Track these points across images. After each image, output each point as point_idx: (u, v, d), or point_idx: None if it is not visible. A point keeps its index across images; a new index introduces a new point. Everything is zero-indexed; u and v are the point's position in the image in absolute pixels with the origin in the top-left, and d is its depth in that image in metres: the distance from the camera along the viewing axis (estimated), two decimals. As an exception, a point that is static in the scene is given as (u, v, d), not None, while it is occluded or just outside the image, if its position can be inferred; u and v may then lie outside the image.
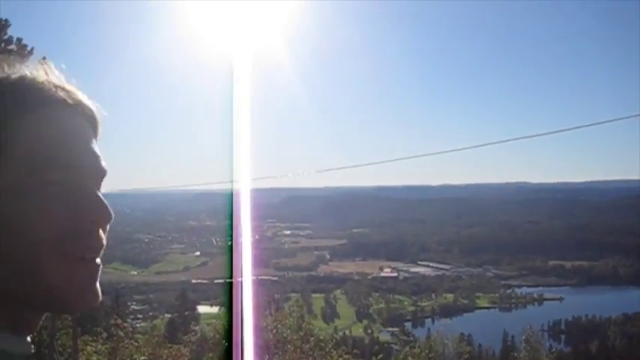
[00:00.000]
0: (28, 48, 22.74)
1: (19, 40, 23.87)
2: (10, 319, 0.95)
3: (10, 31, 23.89)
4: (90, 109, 1.05)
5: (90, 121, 1.05)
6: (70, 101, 1.01)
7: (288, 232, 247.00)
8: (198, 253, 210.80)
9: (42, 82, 1.00)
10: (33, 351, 1.00)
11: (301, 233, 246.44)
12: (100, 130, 1.08)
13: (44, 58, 1.05)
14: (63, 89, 1.02)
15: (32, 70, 1.03)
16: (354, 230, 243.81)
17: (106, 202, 1.00)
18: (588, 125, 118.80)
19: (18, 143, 0.93)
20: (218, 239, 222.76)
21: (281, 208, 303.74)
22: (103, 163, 1.04)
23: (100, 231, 1.00)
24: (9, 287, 0.93)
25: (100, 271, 1.02)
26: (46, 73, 1.03)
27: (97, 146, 1.05)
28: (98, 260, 1.01)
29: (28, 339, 1.01)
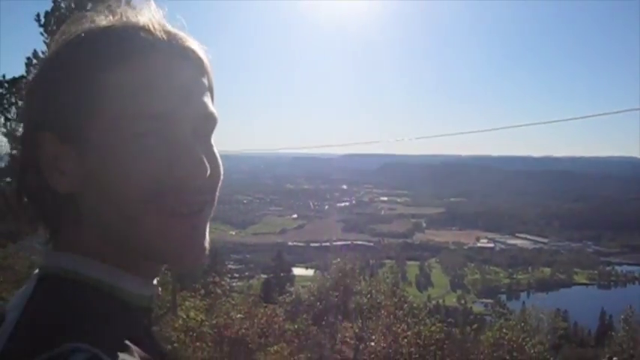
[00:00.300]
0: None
1: (128, 0, 24.45)
2: (132, 263, 0.98)
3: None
4: (196, 54, 1.01)
5: (196, 67, 1.01)
6: (172, 46, 0.98)
7: (385, 199, 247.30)
8: (295, 215, 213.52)
9: (141, 27, 0.97)
10: (159, 292, 1.02)
11: (398, 200, 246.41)
12: (211, 75, 1.04)
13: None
14: (168, 33, 0.99)
15: (134, 13, 1.01)
16: (452, 199, 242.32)
17: (203, 156, 0.96)
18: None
19: (109, 94, 0.92)
20: (315, 203, 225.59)
21: (379, 174, 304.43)
22: (211, 110, 1.00)
23: (204, 184, 0.97)
24: (123, 237, 0.95)
25: (207, 226, 1.01)
26: (149, 16, 1.00)
27: (206, 93, 1.01)
28: (204, 214, 1.00)
29: (155, 282, 1.04)
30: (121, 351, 0.85)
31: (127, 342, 0.88)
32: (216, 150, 1.01)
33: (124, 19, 1.00)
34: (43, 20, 21.17)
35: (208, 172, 0.96)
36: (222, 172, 1.02)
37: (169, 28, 1.00)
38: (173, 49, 0.98)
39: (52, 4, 23.96)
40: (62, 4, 23.94)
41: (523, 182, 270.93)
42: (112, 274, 0.96)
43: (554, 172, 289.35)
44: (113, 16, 1.00)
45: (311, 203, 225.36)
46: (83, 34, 0.97)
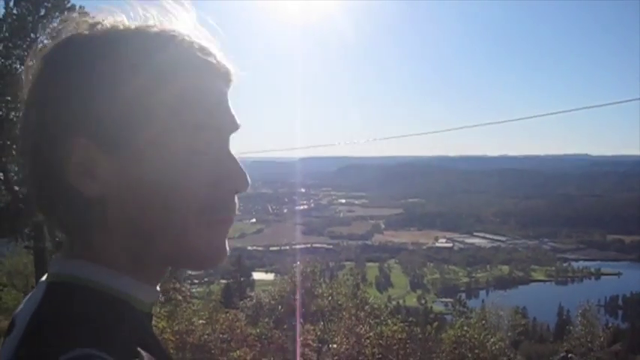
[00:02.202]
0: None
1: (81, 7, 24.15)
2: (145, 270, 1.00)
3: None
4: (226, 67, 1.02)
5: (224, 78, 1.03)
6: (212, 61, 0.99)
7: (343, 201, 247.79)
8: (253, 220, 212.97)
9: (188, 39, 0.98)
10: (160, 298, 1.06)
11: (356, 202, 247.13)
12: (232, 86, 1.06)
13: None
14: (209, 45, 1.01)
15: (175, 18, 1.01)
16: (410, 200, 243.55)
17: (244, 169, 1.01)
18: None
19: (161, 108, 0.94)
20: (273, 206, 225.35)
21: (336, 176, 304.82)
22: (239, 120, 1.04)
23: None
24: (152, 245, 0.96)
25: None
26: (193, 24, 1.02)
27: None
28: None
29: (157, 288, 1.05)
30: (133, 357, 0.87)
31: (138, 348, 0.90)
32: None
33: (168, 25, 1.00)
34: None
35: (249, 184, 1.02)
36: None
37: (208, 37, 1.02)
38: (216, 62, 1.00)
39: (4, 11, 23.67)
40: (14, 10, 23.65)
41: (479, 181, 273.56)
42: (123, 282, 0.97)
43: (510, 171, 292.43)
44: (149, 19, 1.00)
45: (270, 207, 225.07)
46: (132, 37, 0.97)
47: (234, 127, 1.02)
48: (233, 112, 1.03)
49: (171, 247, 0.97)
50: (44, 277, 1.00)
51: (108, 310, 0.92)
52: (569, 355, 24.08)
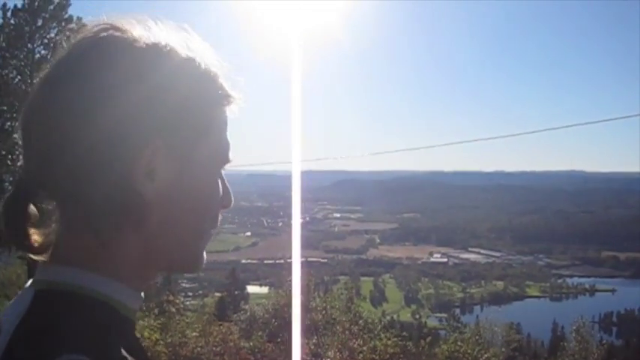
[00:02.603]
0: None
1: (79, 18, 24.20)
2: (141, 277, 1.05)
3: (70, 10, 24.25)
4: (236, 99, 1.12)
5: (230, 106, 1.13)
6: (232, 96, 1.10)
7: (338, 215, 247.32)
8: (248, 233, 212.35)
9: (223, 69, 1.10)
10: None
11: (352, 216, 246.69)
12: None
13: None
14: (225, 79, 1.10)
15: (204, 49, 1.09)
16: (405, 215, 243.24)
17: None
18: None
19: (214, 127, 1.08)
20: (269, 220, 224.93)
21: (332, 190, 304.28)
22: (232, 155, 1.13)
23: None
24: (172, 249, 1.06)
25: None
26: (217, 57, 1.11)
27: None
28: None
29: (142, 294, 1.08)
30: None
31: (125, 354, 0.92)
32: None
33: (202, 54, 1.08)
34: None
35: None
36: None
37: (225, 65, 1.11)
38: (236, 95, 1.11)
39: (1, 21, 23.71)
40: (12, 21, 23.70)
41: (475, 197, 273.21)
42: (113, 288, 0.98)
43: (505, 187, 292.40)
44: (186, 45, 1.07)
45: (265, 220, 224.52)
46: (199, 64, 1.06)
47: (230, 156, 1.13)
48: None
49: (185, 251, 1.08)
50: (30, 283, 1.00)
51: (96, 316, 0.93)
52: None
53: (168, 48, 1.03)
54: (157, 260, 1.05)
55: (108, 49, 0.98)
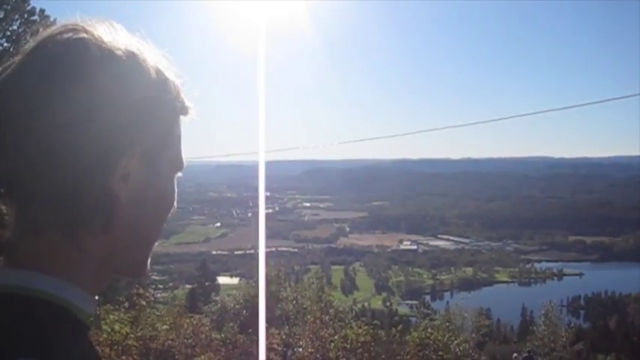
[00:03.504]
0: (51, 19, 22.65)
1: (42, 11, 23.92)
2: (98, 281, 1.06)
3: (32, 2, 23.92)
4: (191, 110, 1.15)
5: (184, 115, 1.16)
6: (190, 107, 1.13)
7: (307, 205, 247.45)
8: (218, 224, 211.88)
9: (177, 81, 1.12)
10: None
11: (321, 205, 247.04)
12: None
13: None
14: (184, 90, 1.13)
15: (164, 63, 1.10)
16: (374, 203, 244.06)
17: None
18: (611, 99, 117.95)
19: (174, 136, 1.11)
20: (238, 211, 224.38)
21: (301, 180, 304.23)
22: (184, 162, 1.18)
23: None
24: (135, 248, 1.09)
25: None
26: (174, 70, 1.12)
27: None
28: None
29: (96, 298, 1.08)
30: None
31: (79, 358, 0.93)
32: None
33: (165, 62, 1.11)
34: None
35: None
36: None
37: (182, 76, 1.14)
38: (191, 105, 1.15)
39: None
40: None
41: (443, 184, 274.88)
42: (71, 292, 0.98)
43: (473, 174, 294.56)
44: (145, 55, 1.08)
45: (234, 211, 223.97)
46: (161, 76, 1.08)
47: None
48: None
49: (141, 253, 1.11)
50: None
51: (51, 320, 0.93)
52: (531, 353, 24.44)
53: (142, 57, 1.05)
54: (116, 263, 1.07)
55: (89, 55, 0.99)
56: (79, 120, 0.95)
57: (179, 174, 1.14)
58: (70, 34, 1.00)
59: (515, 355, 28.17)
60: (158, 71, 1.06)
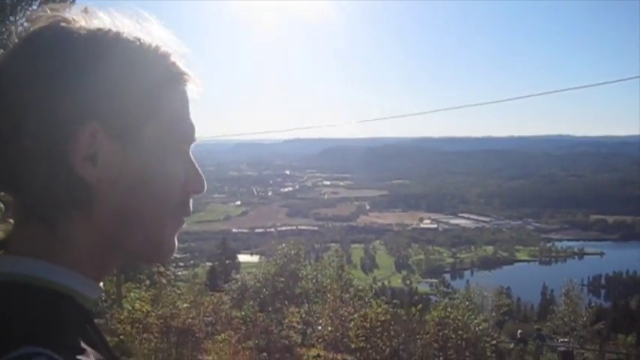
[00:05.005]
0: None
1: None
2: (99, 266, 1.02)
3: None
4: (192, 78, 1.08)
5: (193, 85, 1.09)
6: (187, 73, 1.06)
7: (327, 183, 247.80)
8: (238, 202, 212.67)
9: (178, 51, 1.06)
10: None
11: (341, 184, 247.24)
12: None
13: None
14: (189, 55, 1.07)
15: (156, 28, 1.07)
16: (395, 181, 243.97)
17: (202, 174, 1.09)
18: (634, 77, 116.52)
19: (164, 108, 1.01)
20: (258, 189, 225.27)
21: (321, 158, 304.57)
22: (197, 134, 1.10)
23: None
24: (128, 235, 1.00)
25: None
26: (174, 37, 1.07)
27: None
28: None
29: (101, 284, 1.05)
30: (80, 354, 0.88)
31: (85, 346, 0.90)
32: None
33: (167, 35, 1.07)
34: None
35: (206, 188, 1.09)
36: None
37: (177, 49, 1.07)
38: (192, 74, 1.07)
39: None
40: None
41: (464, 163, 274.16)
42: (72, 278, 0.97)
43: (494, 152, 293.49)
44: (136, 24, 1.06)
45: (254, 189, 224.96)
46: (142, 46, 1.03)
47: (194, 137, 1.09)
48: (194, 124, 1.09)
49: (145, 238, 1.01)
50: None
51: (54, 307, 0.92)
52: (540, 332, 24.56)
53: (110, 33, 1.01)
54: (114, 248, 1.01)
55: (47, 38, 0.97)
56: (34, 101, 0.94)
57: (189, 150, 1.08)
58: (43, 26, 1.02)
59: (519, 331, 28.23)
60: (134, 42, 1.02)
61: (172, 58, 1.04)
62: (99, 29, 1.01)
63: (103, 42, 1.00)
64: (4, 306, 0.90)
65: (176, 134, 1.03)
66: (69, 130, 0.95)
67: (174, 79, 1.04)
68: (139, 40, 1.03)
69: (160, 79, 1.02)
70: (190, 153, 1.08)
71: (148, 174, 0.99)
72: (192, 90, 1.07)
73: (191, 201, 1.08)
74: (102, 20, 1.03)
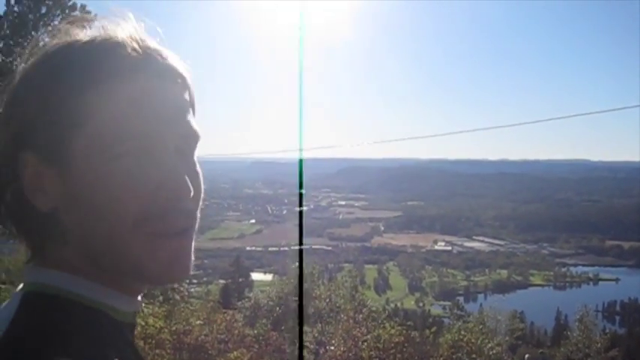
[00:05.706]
0: (92, 14, 22.84)
1: (83, 6, 24.17)
2: (117, 281, 0.98)
3: (73, -2, 24.19)
4: (177, 71, 1.00)
5: (178, 84, 0.99)
6: (152, 65, 0.96)
7: (342, 203, 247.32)
8: (253, 220, 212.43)
9: (119, 44, 0.95)
10: (141, 309, 1.02)
11: (356, 204, 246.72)
12: (193, 90, 1.04)
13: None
14: (149, 50, 0.97)
15: (114, 26, 0.98)
16: (409, 203, 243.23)
17: (186, 177, 0.96)
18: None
19: (90, 115, 0.91)
20: (273, 207, 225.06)
21: (336, 178, 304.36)
22: (194, 128, 1.00)
23: (188, 203, 0.98)
24: (102, 258, 0.95)
25: (192, 244, 1.02)
26: (130, 32, 0.98)
27: (188, 110, 1.01)
28: (190, 233, 1.01)
29: (139, 298, 1.04)
30: None
31: (115, 358, 0.89)
32: (198, 167, 1.01)
33: (104, 34, 0.97)
34: (-5, 24, 20.89)
35: (192, 193, 0.97)
36: (202, 189, 1.02)
37: (150, 44, 0.98)
38: (154, 67, 0.96)
39: (5, 8, 23.69)
40: (15, 8, 23.68)
41: (479, 185, 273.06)
42: (95, 291, 0.95)
43: (510, 175, 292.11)
44: (91, 29, 0.98)
45: (269, 208, 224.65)
46: (63, 50, 0.95)
47: (183, 134, 0.99)
48: (188, 119, 1.00)
49: (117, 261, 0.95)
50: (20, 287, 0.98)
51: (82, 319, 0.91)
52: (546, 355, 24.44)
53: (51, 45, 0.97)
54: (107, 268, 0.97)
55: None
56: None
57: (165, 148, 0.95)
58: None
59: (527, 356, 28.11)
60: (62, 48, 0.96)
61: (124, 50, 0.94)
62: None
63: (36, 63, 0.96)
64: (37, 318, 0.89)
65: (118, 136, 0.91)
66: (15, 162, 0.93)
67: (112, 74, 0.92)
68: (71, 43, 0.96)
69: (87, 80, 0.92)
70: (169, 150, 0.95)
71: (86, 194, 0.92)
72: (150, 79, 0.95)
73: (175, 208, 0.96)
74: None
